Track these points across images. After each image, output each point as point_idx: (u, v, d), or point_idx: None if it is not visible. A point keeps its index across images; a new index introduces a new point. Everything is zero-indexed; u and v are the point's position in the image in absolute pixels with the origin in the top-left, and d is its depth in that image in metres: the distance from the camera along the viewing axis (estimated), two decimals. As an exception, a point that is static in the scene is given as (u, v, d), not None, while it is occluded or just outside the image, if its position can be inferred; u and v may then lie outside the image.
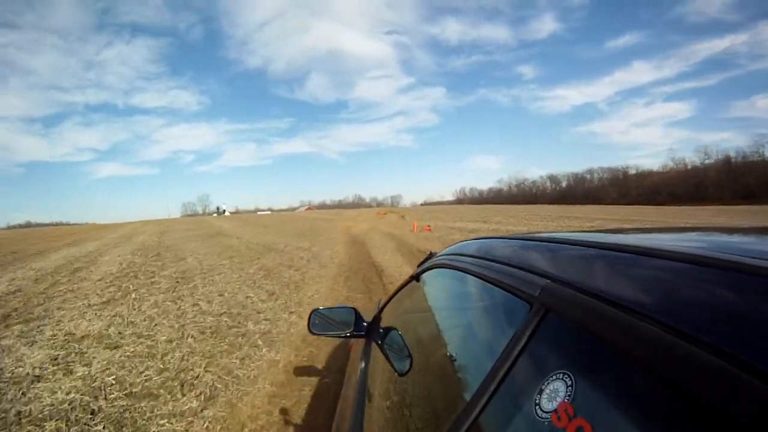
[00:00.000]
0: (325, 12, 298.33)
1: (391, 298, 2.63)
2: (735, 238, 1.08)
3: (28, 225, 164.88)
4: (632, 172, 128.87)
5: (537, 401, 0.77)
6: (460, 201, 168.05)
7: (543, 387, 0.78)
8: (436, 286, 2.14)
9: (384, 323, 2.36)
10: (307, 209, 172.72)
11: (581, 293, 0.81)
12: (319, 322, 2.48)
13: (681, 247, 0.82)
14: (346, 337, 2.47)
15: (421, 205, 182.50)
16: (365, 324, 2.50)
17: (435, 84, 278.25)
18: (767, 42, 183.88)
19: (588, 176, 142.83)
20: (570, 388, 0.72)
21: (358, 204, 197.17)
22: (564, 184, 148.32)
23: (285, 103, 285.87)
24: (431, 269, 2.09)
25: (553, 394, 0.74)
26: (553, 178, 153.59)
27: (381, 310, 2.65)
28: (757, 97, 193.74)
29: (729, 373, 0.49)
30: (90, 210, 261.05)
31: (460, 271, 1.65)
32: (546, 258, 1.11)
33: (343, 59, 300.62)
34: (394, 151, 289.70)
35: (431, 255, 2.38)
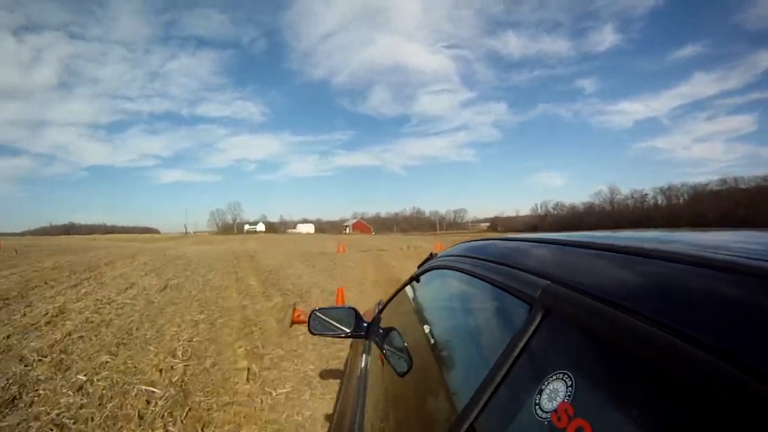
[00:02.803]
0: (386, 25, 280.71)
1: (391, 298, 2.72)
2: (735, 239, 1.10)
3: (71, 226, 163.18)
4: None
5: (537, 401, 0.78)
6: (542, 218, 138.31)
7: (543, 387, 0.79)
8: (436, 287, 2.18)
9: (384, 324, 2.39)
10: (355, 224, 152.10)
11: (581, 294, 0.82)
12: (319, 322, 2.47)
13: (681, 247, 0.85)
14: (346, 337, 2.48)
15: (488, 222, 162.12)
16: (365, 324, 2.48)
17: (497, 99, 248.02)
18: None
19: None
20: (570, 388, 0.73)
21: (417, 218, 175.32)
22: (681, 200, 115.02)
23: (348, 116, 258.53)
24: (431, 270, 2.14)
25: (553, 394, 0.75)
26: (669, 191, 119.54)
27: (381, 310, 2.75)
28: None
29: (729, 373, 0.49)
30: (147, 215, 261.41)
31: (460, 272, 1.68)
32: (546, 259, 1.13)
33: (404, 73, 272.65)
34: (455, 166, 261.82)
35: (431, 256, 2.46)
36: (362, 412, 1.82)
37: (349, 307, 2.53)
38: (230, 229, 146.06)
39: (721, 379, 0.49)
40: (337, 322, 2.47)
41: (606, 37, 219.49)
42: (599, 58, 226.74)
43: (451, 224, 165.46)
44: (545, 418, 0.74)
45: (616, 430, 0.66)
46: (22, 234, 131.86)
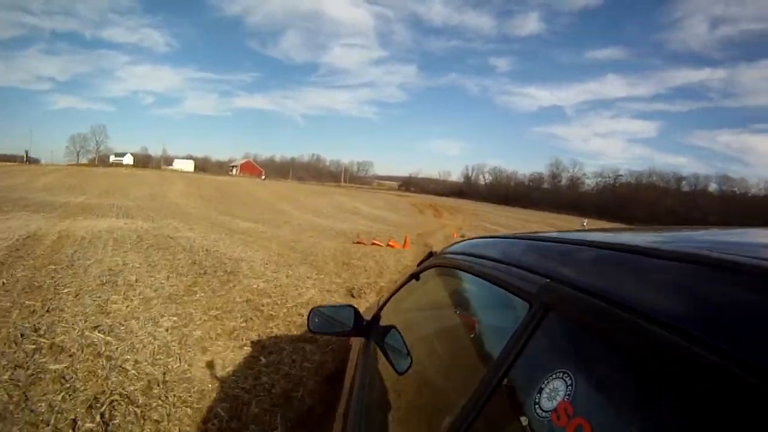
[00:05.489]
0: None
1: (390, 296, 2.67)
2: (735, 238, 1.11)
3: None
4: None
5: (537, 400, 0.78)
6: (470, 184, 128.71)
7: (543, 386, 0.79)
8: (435, 284, 2.18)
9: (383, 322, 2.38)
10: (244, 165, 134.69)
11: (581, 292, 0.82)
12: (318, 320, 2.44)
13: (681, 247, 0.85)
14: (345, 335, 2.50)
15: (399, 182, 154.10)
16: (365, 323, 2.46)
17: (408, 61, 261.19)
18: (740, 83, 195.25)
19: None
20: (570, 387, 0.73)
21: (316, 166, 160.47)
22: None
23: (255, 57, 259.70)
24: (431, 268, 2.13)
25: (553, 392, 0.75)
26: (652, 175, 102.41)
27: (381, 308, 2.68)
28: (719, 132, 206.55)
29: (728, 373, 0.49)
30: (30, 142, 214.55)
31: (460, 269, 1.70)
32: (546, 257, 1.13)
33: (321, 21, 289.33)
34: (355, 121, 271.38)
35: (431, 254, 2.45)
36: (362, 410, 1.81)
37: (349, 305, 2.49)
38: (92, 159, 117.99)
39: (720, 378, 0.49)
40: (337, 321, 2.42)
41: (530, 24, 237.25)
42: (518, 42, 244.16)
43: (355, 177, 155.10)
44: (545, 417, 0.74)
45: (615, 429, 0.66)
46: None
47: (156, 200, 21.69)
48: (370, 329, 2.41)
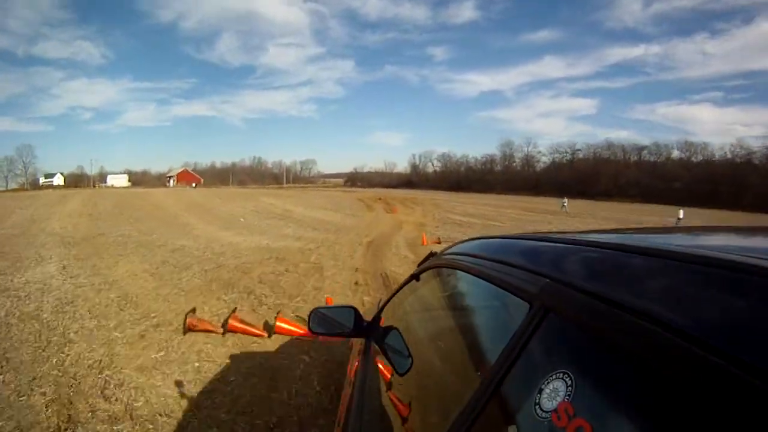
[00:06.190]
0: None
1: (391, 297, 2.67)
2: (735, 238, 1.13)
3: None
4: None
5: (537, 401, 0.79)
6: (418, 173, 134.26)
7: (543, 386, 0.79)
8: (436, 285, 2.17)
9: (384, 323, 2.39)
10: (180, 174, 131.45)
11: (581, 293, 0.82)
12: (319, 321, 2.43)
13: (681, 247, 0.86)
14: (346, 336, 2.47)
15: (344, 178, 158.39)
16: (365, 324, 2.46)
17: (345, 56, 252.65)
18: (676, 57, 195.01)
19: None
20: (570, 387, 0.73)
21: (258, 169, 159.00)
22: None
23: (191, 62, 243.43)
24: (432, 269, 2.12)
25: (553, 393, 0.75)
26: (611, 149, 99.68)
27: (381, 309, 2.68)
28: (658, 104, 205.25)
29: (729, 373, 0.49)
30: None
31: (460, 270, 1.69)
32: (546, 258, 1.14)
33: (255, 22, 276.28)
34: (296, 121, 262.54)
35: (432, 255, 2.43)
36: (363, 411, 1.81)
37: (349, 306, 2.49)
38: (23, 183, 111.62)
39: (720, 378, 0.50)
40: (338, 322, 2.42)
41: (466, 12, 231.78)
42: (455, 30, 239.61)
43: (298, 177, 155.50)
44: (545, 418, 0.74)
45: (616, 429, 0.66)
46: None
47: (33, 225, 18.26)
48: (371, 330, 2.42)
